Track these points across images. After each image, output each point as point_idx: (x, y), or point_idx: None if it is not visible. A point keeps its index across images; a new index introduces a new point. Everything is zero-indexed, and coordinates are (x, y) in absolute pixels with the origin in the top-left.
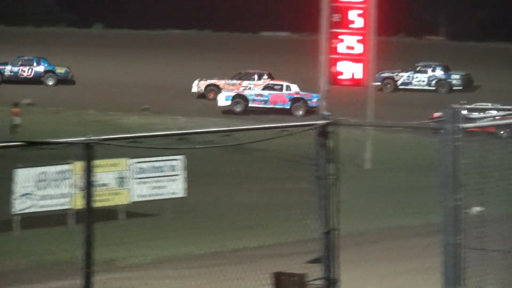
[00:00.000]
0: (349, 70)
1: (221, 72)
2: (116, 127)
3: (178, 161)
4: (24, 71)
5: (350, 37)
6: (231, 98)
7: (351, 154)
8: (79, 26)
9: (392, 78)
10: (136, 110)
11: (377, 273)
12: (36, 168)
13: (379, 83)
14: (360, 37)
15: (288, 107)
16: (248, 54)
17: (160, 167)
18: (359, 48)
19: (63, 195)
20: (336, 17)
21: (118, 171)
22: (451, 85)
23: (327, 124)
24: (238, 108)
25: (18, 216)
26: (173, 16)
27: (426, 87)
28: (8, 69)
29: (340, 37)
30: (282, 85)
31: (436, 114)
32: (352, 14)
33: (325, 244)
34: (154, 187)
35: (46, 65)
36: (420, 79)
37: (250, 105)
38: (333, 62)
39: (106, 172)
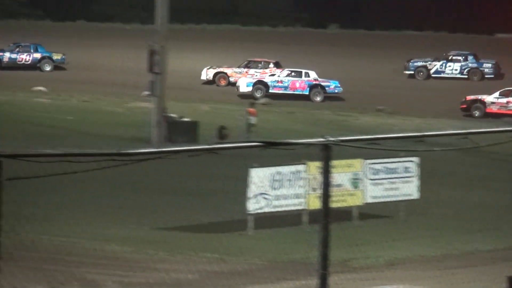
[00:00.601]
0: None
1: None
2: (351, 127)
3: (412, 163)
4: (22, 58)
5: None
6: (252, 84)
7: None
8: (315, 27)
9: (425, 66)
10: (371, 111)
11: None
12: (271, 168)
13: (412, 71)
14: None
15: (307, 93)
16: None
17: (394, 168)
18: None
19: (297, 196)
20: None
21: (352, 172)
22: (483, 73)
23: None
24: (258, 94)
25: (252, 216)
26: (408, 17)
27: (459, 75)
28: (6, 56)
29: None
30: (301, 72)
31: (469, 97)
32: None
33: None
34: (387, 189)
35: (43, 51)
36: (453, 68)
37: (270, 91)
38: None
39: (341, 173)
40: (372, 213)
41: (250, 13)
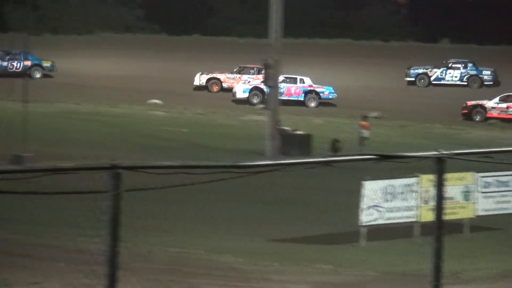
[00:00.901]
0: None
1: None
2: (462, 140)
3: None
4: (13, 65)
5: None
6: (248, 90)
7: None
8: (427, 41)
9: (426, 74)
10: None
11: None
12: (384, 181)
13: (413, 78)
14: None
15: (302, 99)
16: None
17: (506, 181)
18: None
19: (409, 208)
20: None
21: (464, 185)
22: (482, 81)
23: None
24: (255, 100)
25: (365, 228)
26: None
27: (459, 82)
28: None
29: None
30: (296, 78)
31: (470, 103)
32: None
33: None
34: (499, 202)
35: (33, 59)
36: (453, 75)
37: (265, 97)
38: None
39: (453, 186)
40: (484, 225)
41: (362, 28)
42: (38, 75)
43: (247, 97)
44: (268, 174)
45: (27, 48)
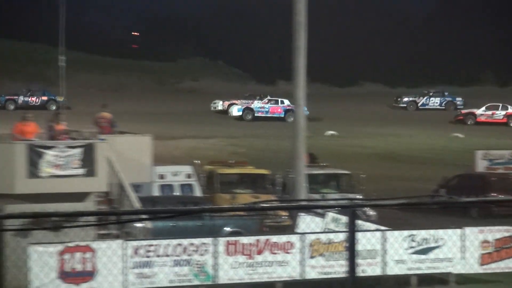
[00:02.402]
0: None
1: None
2: None
3: None
4: (33, 100)
5: None
6: (242, 109)
7: None
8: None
9: (414, 101)
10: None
11: None
12: None
13: (405, 105)
14: None
15: (283, 116)
16: None
17: None
18: None
19: None
20: None
21: None
22: (456, 105)
23: None
24: (248, 117)
25: None
26: None
27: (438, 107)
28: (20, 99)
29: None
30: (278, 100)
31: (464, 111)
32: None
33: None
34: None
35: (48, 95)
36: (435, 101)
37: (255, 114)
38: None
39: None
40: None
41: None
42: (53, 108)
43: (241, 115)
44: None
45: None
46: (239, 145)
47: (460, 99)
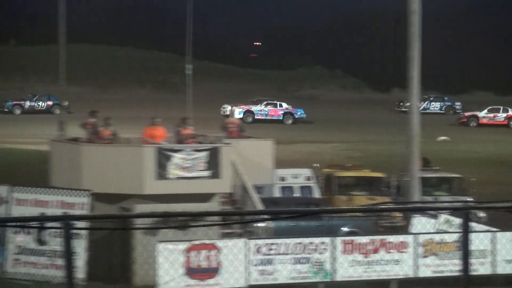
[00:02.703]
0: None
1: None
2: None
3: None
4: (39, 105)
5: None
6: (242, 112)
7: None
8: None
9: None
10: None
11: None
12: None
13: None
14: None
15: (281, 118)
16: None
17: None
18: None
19: None
20: None
21: None
22: (455, 109)
23: None
24: (248, 119)
25: None
26: None
27: (439, 111)
28: (27, 104)
29: None
30: (276, 103)
31: (467, 114)
32: None
33: None
34: None
35: (54, 100)
36: (435, 106)
37: (255, 117)
38: None
39: None
40: None
41: None
42: (58, 112)
43: (242, 117)
44: None
45: None
46: (353, 149)
47: (459, 103)
